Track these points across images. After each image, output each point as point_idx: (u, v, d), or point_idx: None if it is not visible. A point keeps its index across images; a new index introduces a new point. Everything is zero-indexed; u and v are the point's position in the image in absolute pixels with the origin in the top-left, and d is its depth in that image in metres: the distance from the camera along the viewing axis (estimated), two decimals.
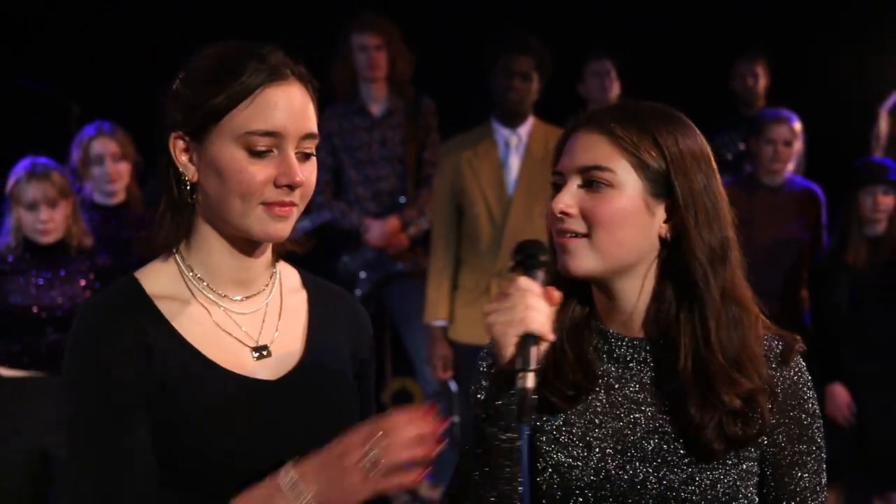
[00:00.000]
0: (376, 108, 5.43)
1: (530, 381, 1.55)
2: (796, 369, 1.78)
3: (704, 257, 1.73)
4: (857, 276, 4.65)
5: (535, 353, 1.57)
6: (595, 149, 1.73)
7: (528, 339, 1.58)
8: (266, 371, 1.75)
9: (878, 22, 6.62)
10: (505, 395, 1.61)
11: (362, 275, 5.37)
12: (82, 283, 4.10)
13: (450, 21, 6.62)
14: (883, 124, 5.19)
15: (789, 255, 5.09)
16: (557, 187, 1.76)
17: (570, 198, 1.72)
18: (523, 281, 1.61)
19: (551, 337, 1.60)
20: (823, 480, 1.79)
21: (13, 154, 4.22)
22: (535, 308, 1.59)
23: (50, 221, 4.05)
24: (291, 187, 1.67)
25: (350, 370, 1.87)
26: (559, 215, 1.72)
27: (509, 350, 1.58)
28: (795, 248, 5.11)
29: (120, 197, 4.66)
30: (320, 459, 1.59)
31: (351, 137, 5.37)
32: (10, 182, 4.08)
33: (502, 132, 4.90)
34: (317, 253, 5.27)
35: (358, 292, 5.31)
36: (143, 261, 4.82)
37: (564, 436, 1.78)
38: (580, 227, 1.72)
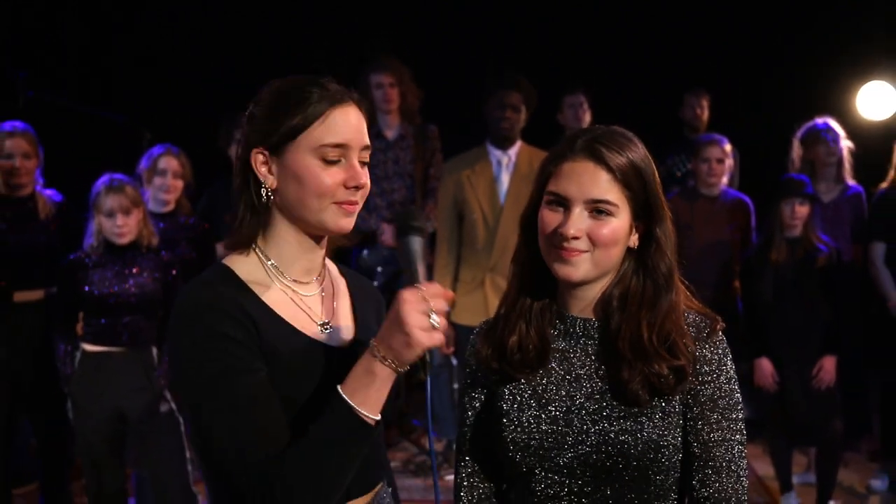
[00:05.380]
0: (390, 134, 5.42)
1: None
2: (718, 342, 1.79)
3: (666, 268, 1.79)
4: (779, 271, 4.65)
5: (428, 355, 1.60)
6: (599, 183, 1.74)
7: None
8: (333, 341, 1.77)
9: (796, 64, 6.65)
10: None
11: (379, 269, 5.37)
12: (149, 275, 4.10)
13: (451, 62, 6.63)
14: (796, 150, 5.22)
15: (724, 252, 5.11)
16: (557, 206, 1.77)
17: (580, 224, 1.74)
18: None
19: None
20: (738, 435, 1.78)
21: (96, 171, 4.22)
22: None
23: (125, 226, 4.04)
24: (357, 188, 1.70)
25: None
26: (571, 238, 1.73)
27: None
28: (728, 247, 5.12)
29: (169, 206, 4.66)
30: (388, 322, 1.58)
31: (370, 157, 5.36)
32: (93, 194, 4.08)
33: (495, 153, 4.91)
34: (343, 251, 5.29)
35: (375, 283, 5.31)
36: (188, 259, 4.74)
37: (525, 398, 1.82)
38: (585, 246, 1.75)
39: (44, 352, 4.40)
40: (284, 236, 1.75)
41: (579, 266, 1.75)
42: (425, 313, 1.56)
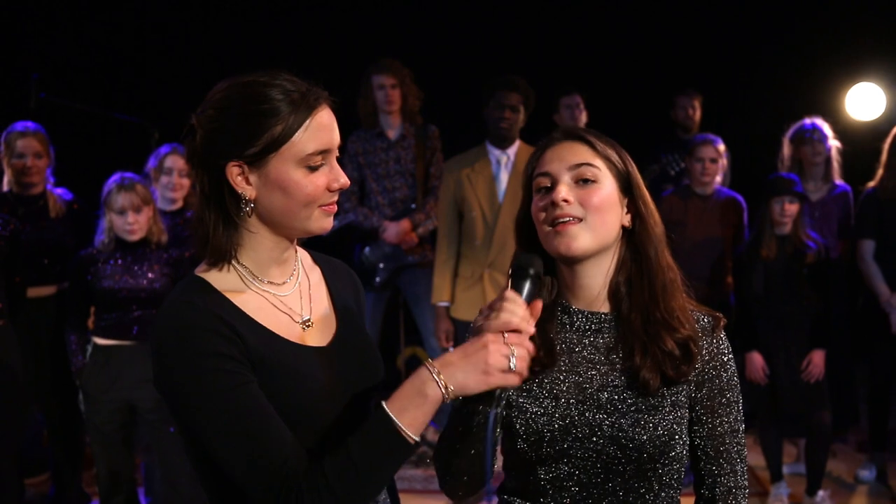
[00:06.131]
0: (392, 134, 5.43)
1: (501, 402, 1.59)
2: (721, 339, 1.81)
3: (656, 239, 1.80)
4: (769, 267, 4.67)
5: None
6: (580, 153, 1.78)
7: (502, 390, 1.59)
8: (315, 339, 1.73)
9: (786, 65, 6.66)
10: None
11: (381, 265, 5.38)
12: (159, 271, 4.11)
13: (451, 64, 6.64)
14: (786, 149, 5.23)
15: (717, 249, 5.11)
16: (544, 189, 1.79)
17: (567, 190, 1.75)
18: (508, 293, 1.61)
19: (521, 377, 1.57)
20: (741, 426, 1.82)
21: (107, 170, 4.24)
22: (511, 319, 1.57)
23: (135, 224, 4.06)
24: (340, 187, 1.67)
25: (361, 319, 1.88)
26: (561, 203, 1.74)
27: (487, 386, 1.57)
28: (721, 243, 5.12)
29: (178, 204, 4.68)
30: (463, 354, 1.56)
31: (372, 157, 5.38)
32: (104, 192, 4.10)
33: (494, 153, 4.91)
34: (346, 247, 5.31)
35: (377, 279, 5.32)
36: (196, 255, 4.79)
37: (536, 391, 1.79)
38: (578, 211, 1.75)
39: (56, 345, 4.43)
40: (260, 241, 1.68)
41: (577, 236, 1.74)
42: (506, 357, 1.55)
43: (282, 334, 1.68)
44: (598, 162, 1.78)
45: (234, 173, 1.63)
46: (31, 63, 5.98)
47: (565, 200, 1.74)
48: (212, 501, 1.72)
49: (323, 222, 1.68)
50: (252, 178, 1.63)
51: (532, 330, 1.60)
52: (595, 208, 1.75)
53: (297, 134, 1.61)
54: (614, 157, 1.79)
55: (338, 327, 1.78)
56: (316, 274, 1.84)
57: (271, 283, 1.72)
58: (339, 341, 1.76)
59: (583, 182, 1.76)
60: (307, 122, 1.61)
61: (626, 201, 1.81)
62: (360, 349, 1.81)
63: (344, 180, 1.67)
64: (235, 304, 1.65)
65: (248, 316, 1.65)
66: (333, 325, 1.78)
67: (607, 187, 1.77)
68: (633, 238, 1.81)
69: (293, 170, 1.62)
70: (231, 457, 1.55)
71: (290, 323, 1.72)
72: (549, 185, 1.78)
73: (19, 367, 4.22)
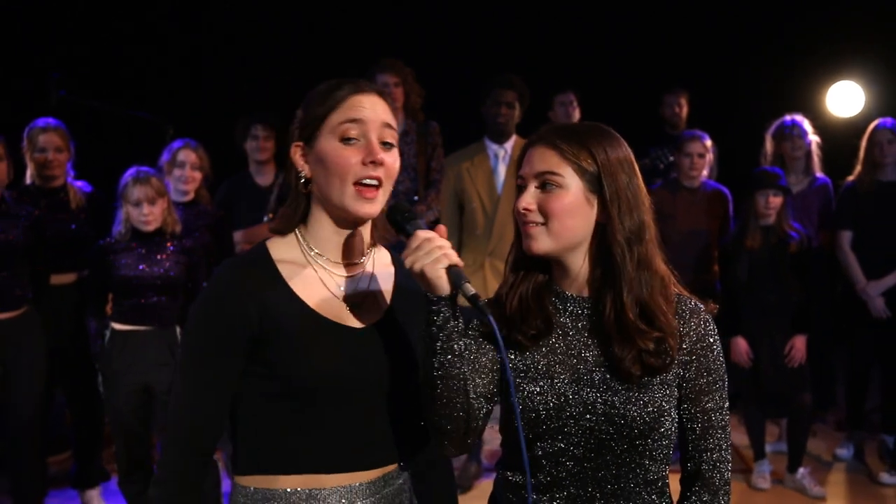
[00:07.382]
0: None
1: (470, 287, 1.65)
2: (704, 321, 1.80)
3: (623, 239, 1.74)
4: (754, 256, 4.68)
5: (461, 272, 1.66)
6: (546, 159, 1.76)
7: (452, 267, 1.65)
8: (356, 320, 1.77)
9: (769, 64, 6.66)
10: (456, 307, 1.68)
11: None
12: (173, 259, 4.11)
13: (451, 63, 6.63)
14: (768, 145, 5.24)
15: (704, 239, 5.13)
16: (521, 188, 1.81)
17: (530, 198, 1.77)
18: (423, 232, 1.66)
19: (461, 262, 1.67)
20: (726, 404, 1.82)
21: (124, 164, 4.24)
22: (444, 247, 1.65)
23: (150, 215, 4.06)
24: (375, 163, 1.69)
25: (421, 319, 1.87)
26: (522, 211, 1.77)
27: (443, 280, 1.65)
28: (707, 234, 5.13)
29: (189, 196, 4.68)
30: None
31: None
32: (121, 185, 4.10)
33: (492, 147, 4.92)
34: None
35: None
36: (207, 244, 4.72)
37: (532, 370, 1.79)
38: (539, 218, 1.76)
39: (77, 330, 4.44)
40: (321, 220, 1.77)
41: (538, 238, 1.76)
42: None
43: (316, 308, 1.73)
44: (564, 168, 1.74)
45: (297, 153, 1.77)
46: (51, 62, 5.98)
47: (526, 209, 1.76)
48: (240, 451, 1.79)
49: (361, 204, 1.71)
50: (308, 157, 1.76)
51: (461, 262, 1.69)
52: (555, 215, 1.75)
53: (336, 109, 1.72)
54: (585, 160, 1.74)
55: (385, 315, 1.81)
56: (389, 270, 1.88)
57: (331, 261, 1.79)
58: (379, 326, 1.79)
59: (545, 186, 1.76)
60: (345, 101, 1.72)
61: (599, 199, 1.76)
62: (403, 341, 1.82)
63: (380, 156, 1.70)
64: (282, 273, 1.74)
65: (286, 285, 1.73)
66: (377, 315, 1.81)
67: (571, 193, 1.74)
68: (604, 233, 1.77)
69: (330, 141, 1.72)
70: (173, 412, 1.73)
71: (333, 300, 1.76)
72: (522, 187, 1.80)
73: (43, 351, 4.23)
